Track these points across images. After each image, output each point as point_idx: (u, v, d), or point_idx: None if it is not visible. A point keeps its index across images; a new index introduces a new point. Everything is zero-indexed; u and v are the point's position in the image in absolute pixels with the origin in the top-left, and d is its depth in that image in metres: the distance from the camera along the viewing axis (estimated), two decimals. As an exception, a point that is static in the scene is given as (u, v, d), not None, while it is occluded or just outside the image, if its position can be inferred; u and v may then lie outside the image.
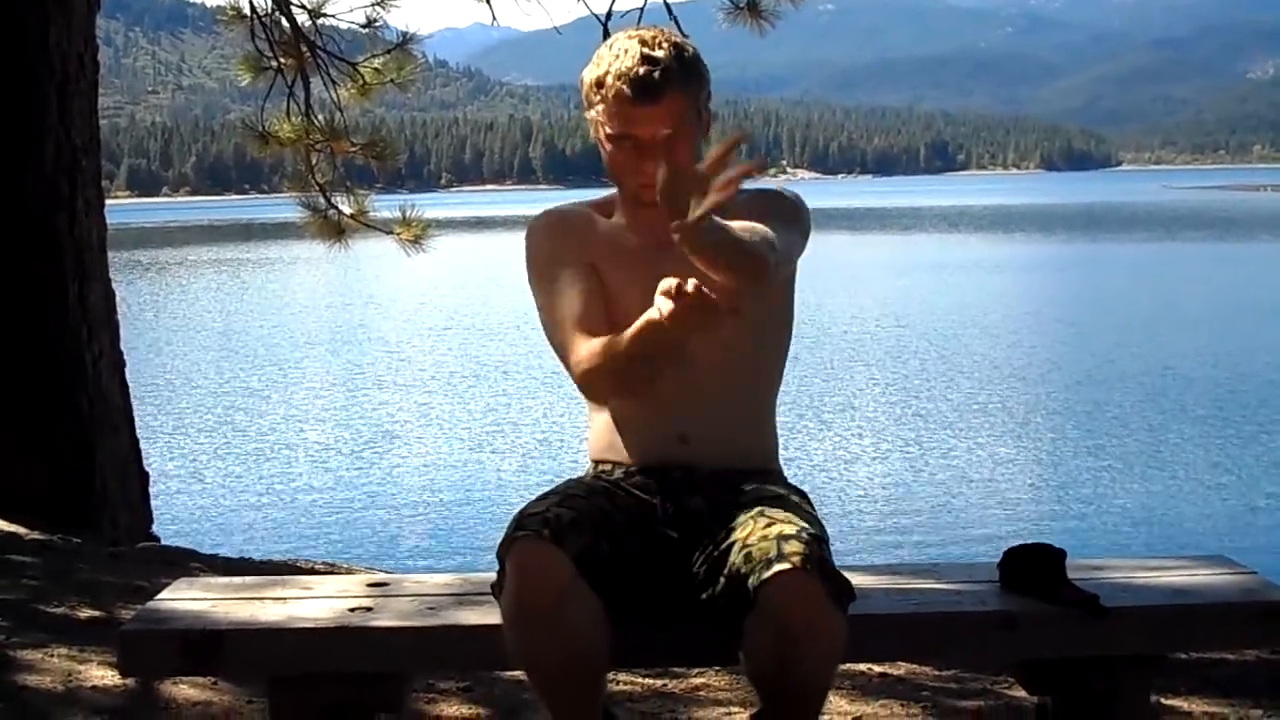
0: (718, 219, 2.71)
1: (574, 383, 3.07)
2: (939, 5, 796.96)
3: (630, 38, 3.04)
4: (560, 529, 2.80)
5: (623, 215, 3.18)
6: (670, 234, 2.87)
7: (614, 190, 3.22)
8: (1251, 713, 4.20)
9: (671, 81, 2.98)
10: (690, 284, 2.63)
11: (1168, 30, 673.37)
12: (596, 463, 3.20)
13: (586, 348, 2.98)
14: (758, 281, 2.88)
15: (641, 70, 2.97)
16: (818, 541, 2.75)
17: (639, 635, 2.93)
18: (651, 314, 2.75)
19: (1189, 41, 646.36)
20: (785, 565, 2.65)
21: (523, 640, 2.73)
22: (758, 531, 2.78)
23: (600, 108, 3.03)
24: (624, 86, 2.97)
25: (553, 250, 3.15)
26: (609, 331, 2.97)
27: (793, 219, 3.10)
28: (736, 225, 2.82)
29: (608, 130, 3.03)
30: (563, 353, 3.07)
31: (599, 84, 3.02)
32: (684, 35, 3.14)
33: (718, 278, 2.75)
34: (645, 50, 2.99)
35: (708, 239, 2.67)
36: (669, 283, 2.66)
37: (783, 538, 2.72)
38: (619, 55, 3.00)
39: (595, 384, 3.03)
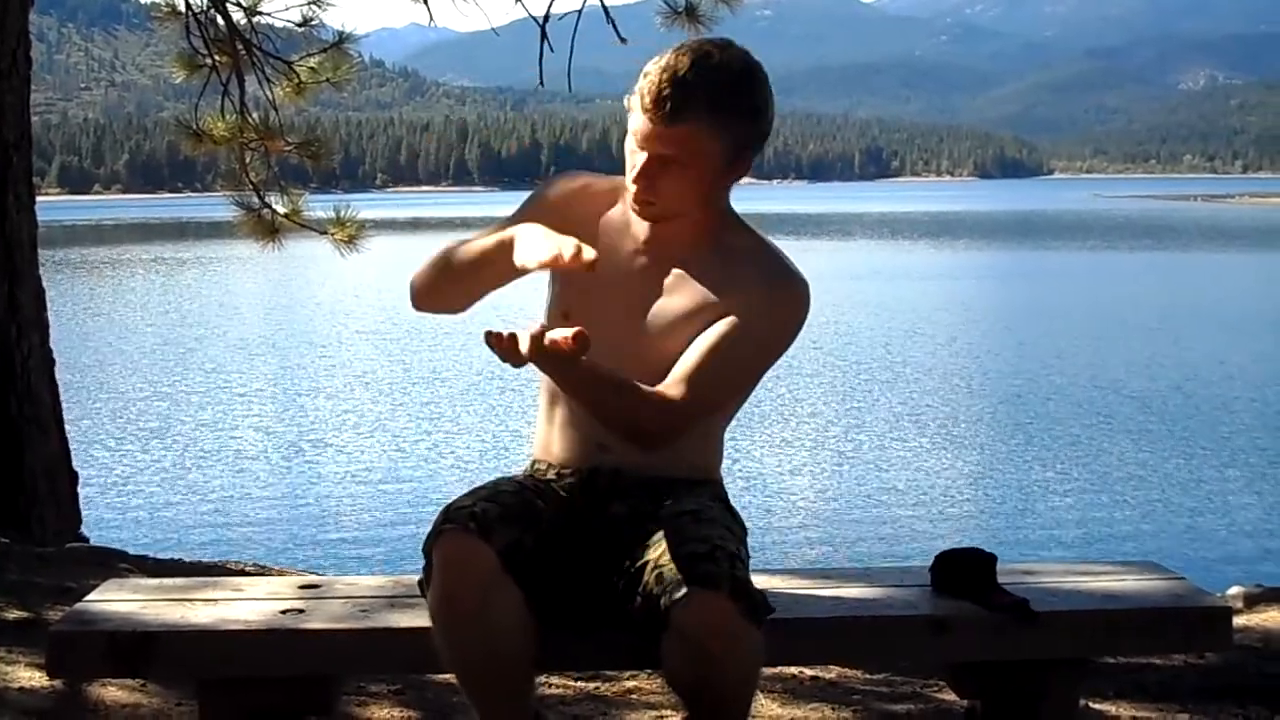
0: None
1: None
2: (875, 13, 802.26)
3: (687, 51, 2.86)
4: (487, 523, 2.79)
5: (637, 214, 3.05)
6: (670, 255, 2.98)
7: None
8: (1178, 717, 4.24)
9: (691, 110, 2.80)
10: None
11: (1101, 40, 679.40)
12: (534, 462, 3.18)
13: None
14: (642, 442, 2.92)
15: (665, 89, 2.80)
16: (730, 559, 2.72)
17: (569, 638, 2.93)
18: (514, 252, 2.79)
19: (1121, 51, 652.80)
20: (696, 586, 2.63)
21: (449, 633, 2.73)
22: (670, 550, 2.76)
23: (630, 100, 2.89)
24: (646, 96, 2.82)
25: (551, 199, 3.08)
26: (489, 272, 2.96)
27: (759, 349, 2.99)
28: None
29: (629, 126, 2.91)
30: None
31: (638, 84, 2.87)
32: (751, 64, 2.91)
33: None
34: (682, 71, 2.81)
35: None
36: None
37: (694, 557, 2.70)
38: (664, 62, 2.83)
39: (424, 268, 3.07)
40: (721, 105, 2.83)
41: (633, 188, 2.92)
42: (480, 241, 2.95)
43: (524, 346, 2.60)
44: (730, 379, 2.95)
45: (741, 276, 2.95)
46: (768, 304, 2.94)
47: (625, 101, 2.92)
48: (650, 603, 2.71)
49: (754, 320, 2.92)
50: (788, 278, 2.98)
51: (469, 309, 3.10)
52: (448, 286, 3.04)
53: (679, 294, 2.96)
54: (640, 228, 3.02)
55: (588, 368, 2.72)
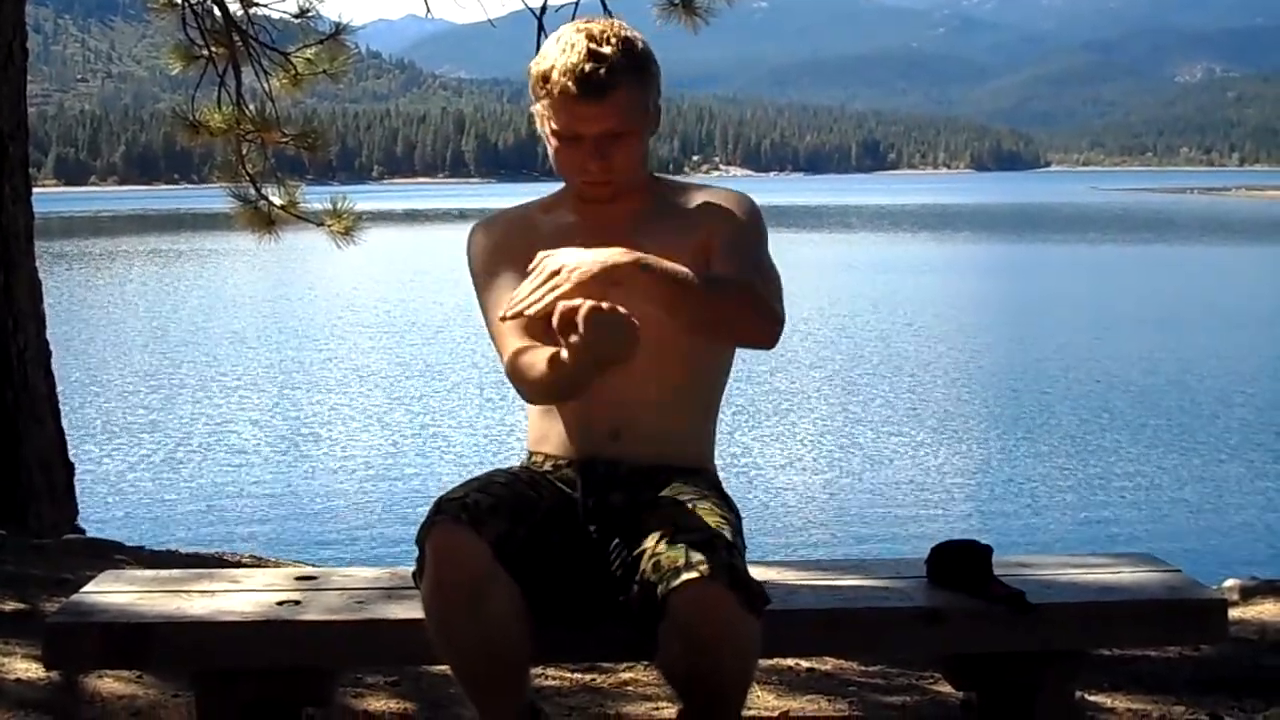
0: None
1: None
2: (872, 5, 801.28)
3: (579, 31, 2.96)
4: (479, 514, 2.79)
5: (569, 211, 3.14)
6: (617, 228, 2.97)
7: (560, 187, 3.19)
8: (1174, 709, 4.24)
9: (618, 78, 2.91)
10: (584, 307, 2.62)
11: (1097, 33, 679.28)
12: (530, 453, 3.19)
13: (519, 360, 2.97)
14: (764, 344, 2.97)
15: (588, 67, 2.89)
16: (727, 548, 2.73)
17: (565, 630, 2.94)
18: (559, 353, 2.77)
19: (1118, 44, 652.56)
20: (692, 575, 2.62)
21: (442, 623, 2.73)
22: (667, 539, 2.76)
23: (545, 103, 2.96)
24: (570, 83, 2.90)
25: (491, 251, 3.13)
26: (544, 332, 2.93)
27: (762, 236, 3.10)
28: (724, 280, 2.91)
29: (553, 126, 2.97)
30: (501, 357, 3.06)
31: (545, 79, 2.94)
32: (630, 28, 3.05)
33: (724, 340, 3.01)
34: (593, 46, 2.91)
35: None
36: (564, 312, 2.66)
37: (691, 546, 2.70)
38: (565, 50, 2.92)
39: (529, 396, 3.04)
40: (634, 63, 2.97)
41: (585, 176, 3.00)
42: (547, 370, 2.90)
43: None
44: (769, 265, 3.06)
45: (698, 211, 3.09)
46: (737, 215, 3.10)
47: (536, 109, 3.01)
48: (647, 590, 2.71)
49: (740, 229, 3.07)
50: (732, 192, 3.17)
51: None
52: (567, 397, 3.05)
53: (656, 255, 2.91)
54: (581, 222, 3.09)
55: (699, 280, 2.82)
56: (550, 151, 3.05)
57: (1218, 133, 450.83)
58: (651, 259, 2.74)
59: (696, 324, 2.91)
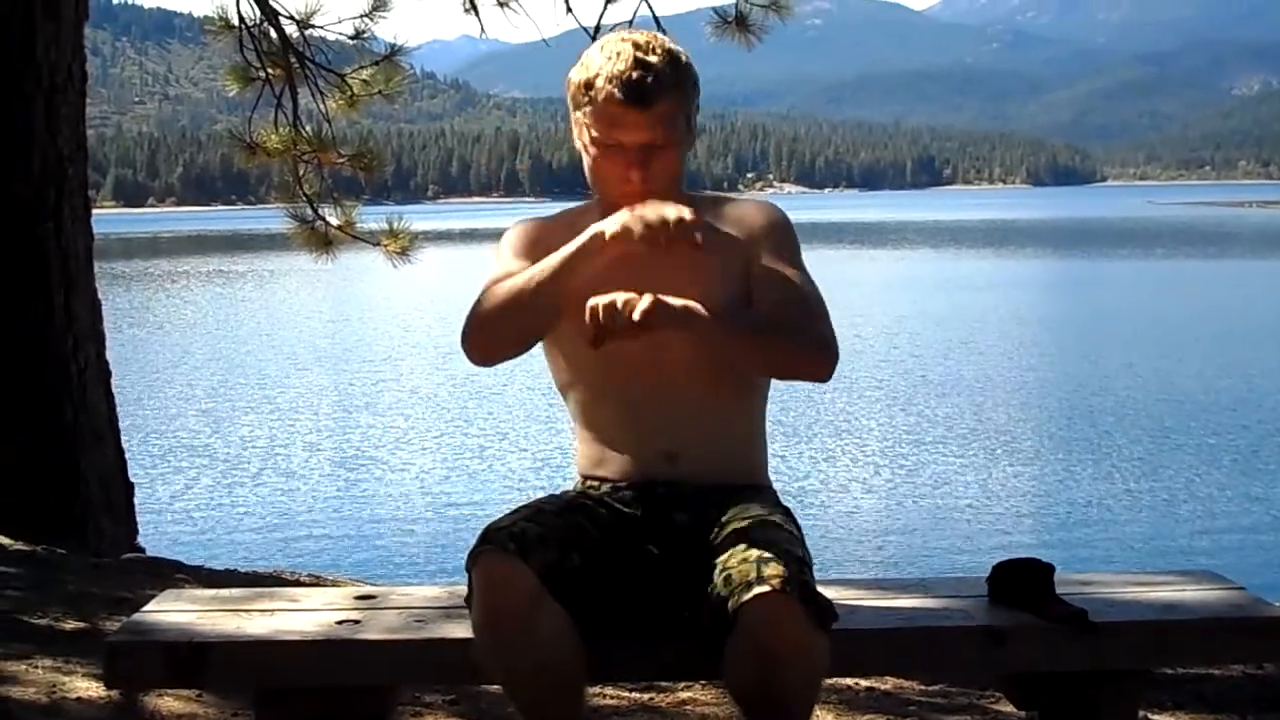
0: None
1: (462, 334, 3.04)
2: (926, 21, 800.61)
3: (624, 40, 2.97)
4: (526, 543, 2.78)
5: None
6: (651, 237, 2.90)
7: (588, 201, 3.18)
8: (1238, 728, 4.20)
9: (664, 88, 2.91)
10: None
11: (1153, 46, 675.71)
12: (585, 478, 3.16)
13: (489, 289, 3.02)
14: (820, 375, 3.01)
15: (635, 74, 2.89)
16: (798, 563, 2.73)
17: (624, 649, 2.92)
18: (599, 227, 2.86)
19: (1174, 57, 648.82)
20: (764, 588, 2.62)
21: (492, 653, 2.74)
22: (738, 554, 2.75)
23: (587, 110, 2.96)
24: (615, 90, 2.90)
25: (519, 247, 3.11)
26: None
27: (798, 247, 3.10)
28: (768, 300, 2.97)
29: (593, 134, 2.97)
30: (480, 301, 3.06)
31: (588, 86, 2.94)
32: (675, 43, 3.06)
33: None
34: (639, 54, 2.92)
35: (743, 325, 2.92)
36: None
37: (762, 560, 2.70)
38: (611, 58, 2.92)
39: (474, 328, 3.02)
40: (680, 78, 2.97)
41: (623, 186, 2.97)
42: (547, 264, 2.94)
43: (639, 311, 2.73)
44: (814, 287, 3.05)
45: (731, 225, 3.07)
46: (771, 228, 3.08)
47: (576, 116, 3.01)
48: (717, 605, 2.71)
49: (777, 244, 3.05)
50: (761, 203, 3.17)
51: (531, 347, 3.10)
52: (525, 321, 3.01)
53: (691, 267, 2.93)
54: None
55: (717, 317, 2.87)
56: (587, 162, 3.04)
57: (1276, 145, 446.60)
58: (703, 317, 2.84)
59: (749, 366, 3.05)
